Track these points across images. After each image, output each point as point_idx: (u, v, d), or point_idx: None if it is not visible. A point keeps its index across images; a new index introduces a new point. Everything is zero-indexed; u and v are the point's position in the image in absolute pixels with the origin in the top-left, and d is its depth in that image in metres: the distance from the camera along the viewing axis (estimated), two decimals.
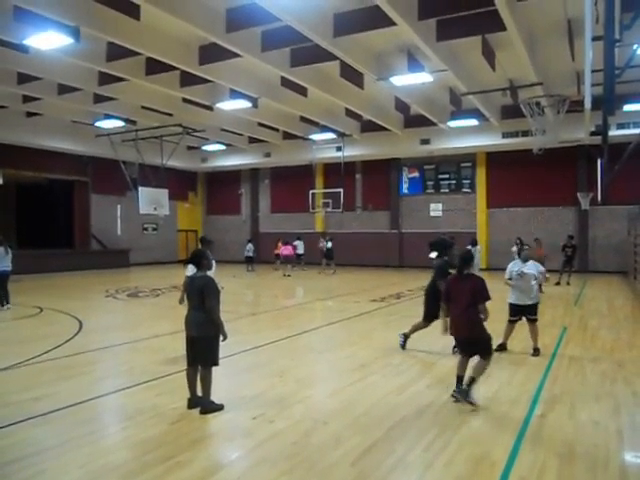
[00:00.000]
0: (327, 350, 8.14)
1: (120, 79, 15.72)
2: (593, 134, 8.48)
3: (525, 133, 20.15)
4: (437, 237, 8.84)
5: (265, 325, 10.40)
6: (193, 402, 5.26)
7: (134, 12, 11.88)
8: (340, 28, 12.46)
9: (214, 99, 17.79)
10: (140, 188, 21.01)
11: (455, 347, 6.74)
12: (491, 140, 21.06)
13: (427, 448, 4.34)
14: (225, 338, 5.24)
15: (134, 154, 21.25)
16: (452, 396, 5.44)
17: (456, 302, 5.36)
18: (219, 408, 5.20)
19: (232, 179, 29.71)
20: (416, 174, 25.19)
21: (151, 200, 21.51)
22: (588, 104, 4.54)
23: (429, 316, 7.60)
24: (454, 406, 5.33)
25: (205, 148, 26.27)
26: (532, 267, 7.60)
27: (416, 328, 7.89)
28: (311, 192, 24.54)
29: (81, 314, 11.14)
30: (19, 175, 23.23)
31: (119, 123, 20.46)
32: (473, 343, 5.37)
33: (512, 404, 5.43)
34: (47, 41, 11.99)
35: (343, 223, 25.74)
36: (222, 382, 5.83)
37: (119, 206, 25.82)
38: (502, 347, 7.59)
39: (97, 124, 20.63)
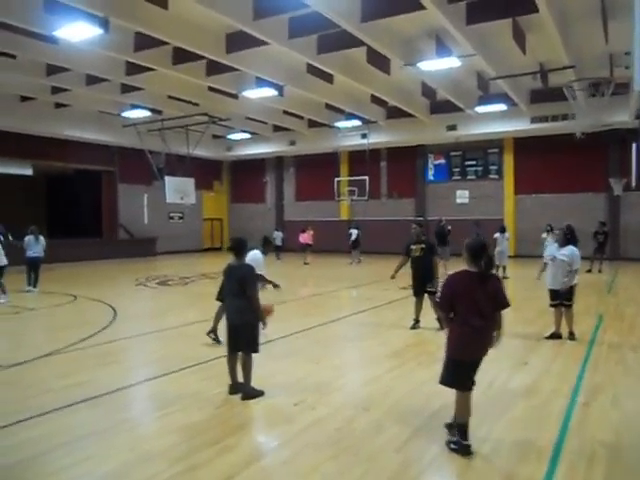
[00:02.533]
0: (359, 338, 8.16)
1: (147, 69, 15.81)
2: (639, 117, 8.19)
3: (555, 118, 19.80)
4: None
5: (295, 313, 10.43)
6: (234, 388, 5.32)
7: (162, 1, 11.92)
8: (368, 13, 12.31)
9: (240, 87, 17.79)
10: (167, 177, 21.18)
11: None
12: (519, 125, 20.69)
13: (470, 436, 4.31)
14: (265, 325, 5.28)
15: (160, 144, 21.41)
16: (455, 449, 4.03)
17: (474, 310, 3.92)
18: (260, 394, 5.25)
19: (257, 167, 29.78)
20: (442, 161, 24.93)
21: (178, 189, 21.68)
22: (638, 86, 4.40)
23: None
24: (494, 395, 5.29)
25: (230, 137, 26.35)
26: (566, 253, 7.43)
27: None
28: (336, 180, 24.46)
29: (114, 302, 11.32)
30: (48, 166, 23.64)
31: (145, 113, 20.61)
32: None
33: (553, 393, 5.36)
34: (77, 32, 12.08)
35: (368, 211, 25.62)
36: (260, 369, 5.85)
37: (146, 195, 26.10)
38: (557, 335, 7.54)
39: (124, 114, 20.82)
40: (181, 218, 27.74)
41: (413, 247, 8.40)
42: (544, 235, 17.13)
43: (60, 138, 22.03)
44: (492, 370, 5.57)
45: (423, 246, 8.34)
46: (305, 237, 22.13)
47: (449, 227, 18.44)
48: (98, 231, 25.32)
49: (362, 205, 25.03)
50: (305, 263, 20.76)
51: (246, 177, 30.57)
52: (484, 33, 13.88)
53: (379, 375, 6.06)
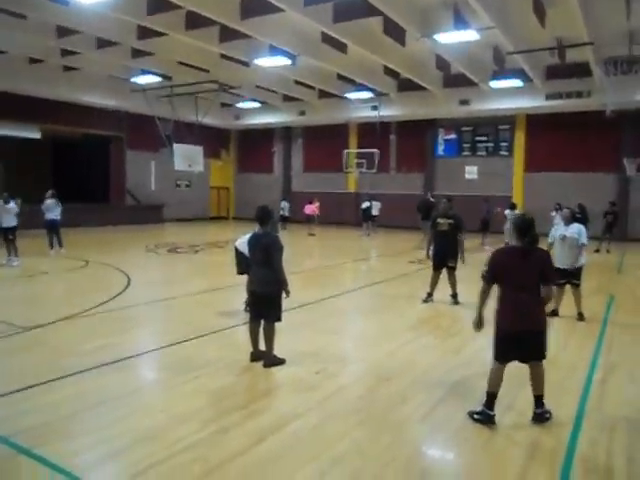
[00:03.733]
0: (374, 310, 8.24)
1: (159, 34, 15.57)
2: None
3: (570, 95, 19.56)
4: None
5: (308, 284, 10.50)
6: (256, 355, 5.41)
7: None
8: None
9: (253, 55, 17.54)
10: (175, 144, 21.06)
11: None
12: (534, 102, 20.44)
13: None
14: (288, 295, 5.34)
15: (169, 110, 21.22)
16: (479, 420, 4.11)
17: (519, 284, 4.01)
18: (281, 362, 5.34)
19: (265, 137, 29.56)
20: (452, 136, 24.71)
21: (186, 157, 21.59)
22: None
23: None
24: (514, 369, 5.35)
25: (239, 105, 26.07)
26: (575, 230, 7.40)
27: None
28: (345, 152, 24.29)
29: (126, 268, 11.38)
30: (56, 130, 23.46)
31: (155, 79, 20.37)
32: (535, 338, 4.09)
33: (570, 369, 5.45)
34: None
35: (376, 184, 25.52)
36: (279, 338, 5.93)
37: (153, 162, 25.99)
38: (554, 313, 7.56)
39: (133, 79, 20.59)
40: (188, 186, 27.67)
41: (440, 221, 8.39)
42: (553, 214, 17.13)
43: (68, 102, 21.80)
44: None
45: (451, 221, 8.33)
46: (311, 208, 22.11)
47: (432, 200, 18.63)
48: (105, 197, 25.31)
49: (370, 178, 24.92)
50: (310, 234, 20.77)
51: (254, 146, 30.37)
52: (503, 5, 13.63)
53: (398, 347, 6.16)
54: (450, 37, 14.53)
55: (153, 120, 21.33)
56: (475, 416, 4.13)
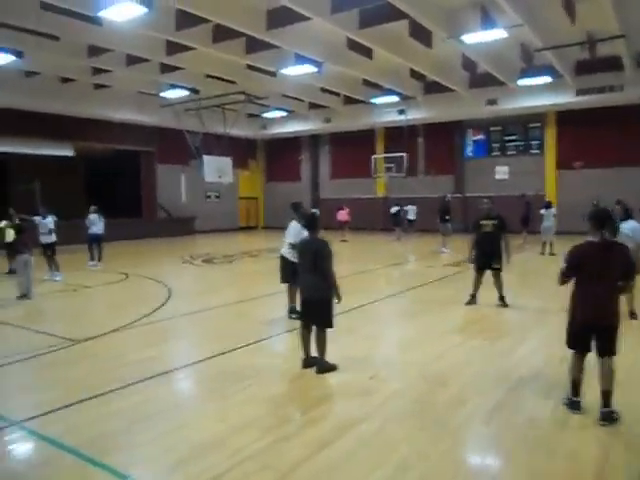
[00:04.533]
0: (416, 315, 8.15)
1: (187, 48, 15.82)
2: None
3: (601, 90, 19.18)
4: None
5: (348, 290, 10.13)
6: (308, 362, 5.40)
7: None
8: None
9: (279, 65, 17.68)
10: (205, 157, 21.31)
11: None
12: (564, 98, 20.10)
13: (556, 407, 4.31)
14: (340, 300, 5.33)
15: (197, 123, 21.50)
16: (566, 405, 4.26)
17: (596, 278, 4.04)
18: (334, 368, 5.32)
19: (292, 145, 29.71)
20: (481, 136, 24.47)
21: (215, 168, 21.83)
22: None
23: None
24: None
25: (265, 115, 26.27)
26: (628, 227, 7.16)
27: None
28: (373, 157, 24.26)
29: (165, 279, 11.54)
30: (88, 147, 23.98)
31: (184, 93, 20.69)
32: (607, 332, 4.09)
33: (632, 366, 5.28)
34: (122, 12, 12.14)
35: (406, 188, 25.38)
36: (327, 344, 5.94)
37: (183, 175, 26.30)
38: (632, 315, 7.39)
39: (162, 94, 20.94)
40: (217, 197, 27.96)
41: (483, 222, 8.29)
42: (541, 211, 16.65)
43: (99, 119, 22.29)
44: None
45: (495, 222, 8.22)
46: (342, 214, 22.11)
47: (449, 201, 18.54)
48: (138, 211, 25.73)
49: (399, 182, 24.80)
50: (343, 240, 20.74)
51: (281, 155, 30.55)
52: (532, 2, 13.47)
53: (446, 350, 6.08)
54: (477, 37, 14.40)
55: (182, 133, 21.64)
56: (564, 401, 4.29)
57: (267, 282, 11.28)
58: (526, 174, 23.28)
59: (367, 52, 16.94)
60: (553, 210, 15.82)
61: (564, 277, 4.20)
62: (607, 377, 4.09)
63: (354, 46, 16.21)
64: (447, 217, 17.29)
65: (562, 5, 12.99)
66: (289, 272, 7.38)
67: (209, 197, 27.69)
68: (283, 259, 7.60)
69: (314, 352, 5.39)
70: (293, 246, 7.24)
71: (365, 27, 14.36)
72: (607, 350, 4.10)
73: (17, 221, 11.83)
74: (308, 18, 13.46)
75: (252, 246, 19.99)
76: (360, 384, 4.97)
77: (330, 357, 5.45)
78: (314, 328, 5.37)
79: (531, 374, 5.16)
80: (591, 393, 4.23)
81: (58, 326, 7.66)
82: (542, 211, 15.98)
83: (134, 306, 8.82)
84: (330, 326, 5.31)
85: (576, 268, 4.13)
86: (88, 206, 14.78)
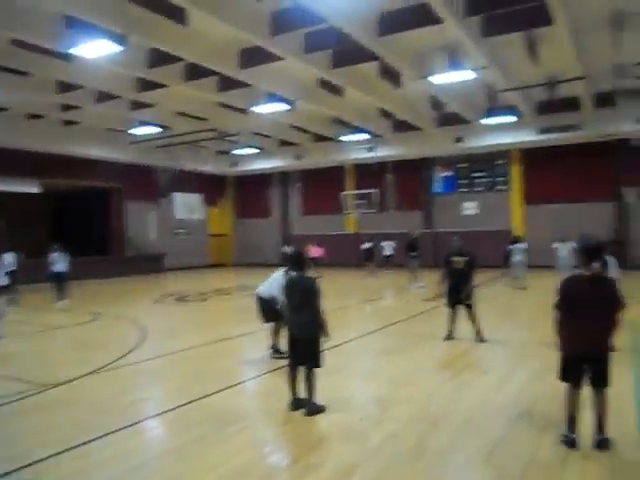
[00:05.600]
0: (401, 350, 8.07)
1: (159, 85, 15.84)
2: None
3: (562, 128, 19.95)
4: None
5: (330, 326, 10.31)
6: (296, 404, 5.24)
7: (179, 17, 11.94)
8: (385, 27, 12.40)
9: (251, 103, 17.81)
10: (175, 194, 21.18)
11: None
12: (527, 136, 20.82)
13: (553, 444, 4.27)
14: (328, 338, 5.23)
15: (167, 160, 21.41)
16: (563, 442, 4.22)
17: (588, 310, 4.10)
18: (323, 409, 5.17)
19: (262, 182, 29.75)
20: (449, 173, 25.05)
21: (185, 205, 21.73)
22: None
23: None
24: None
25: (235, 152, 26.32)
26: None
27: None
28: (343, 194, 24.49)
29: (139, 319, 11.20)
30: (56, 183, 23.50)
31: (154, 130, 20.59)
32: (600, 363, 4.17)
33: (618, 399, 5.29)
34: (95, 49, 12.10)
35: (376, 224, 25.61)
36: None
37: (152, 212, 26.02)
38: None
39: (132, 131, 20.79)
40: (187, 234, 27.64)
41: (454, 259, 8.34)
42: (554, 245, 17.08)
43: (67, 155, 21.90)
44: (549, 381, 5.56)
45: (467, 259, 8.29)
46: (315, 250, 22.06)
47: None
48: (105, 249, 25.17)
49: (370, 218, 25.04)
50: (318, 276, 20.66)
51: (251, 192, 30.53)
52: (497, 45, 14.01)
53: (436, 387, 6.01)
54: (445, 78, 14.87)
55: (152, 170, 21.49)
56: (561, 439, 4.25)
57: (244, 321, 11.09)
58: (493, 210, 23.83)
59: (338, 91, 17.28)
60: (522, 245, 16.11)
61: (558, 310, 4.24)
62: (601, 407, 4.19)
63: (326, 85, 16.52)
64: (413, 253, 17.38)
65: (525, 48, 13.57)
66: (271, 311, 7.25)
67: (178, 234, 27.34)
68: (260, 299, 7.45)
69: (301, 393, 5.24)
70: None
71: (337, 67, 14.67)
72: (601, 381, 4.18)
73: None
74: (281, 58, 13.67)
75: (224, 284, 19.69)
76: (352, 426, 4.83)
77: (318, 397, 5.30)
78: (302, 368, 5.23)
79: (524, 410, 5.12)
80: (584, 423, 4.25)
81: (27, 370, 7.27)
82: (510, 247, 16.28)
83: (108, 347, 8.50)
84: (319, 365, 5.19)
85: (568, 300, 4.18)
86: (55, 244, 14.42)
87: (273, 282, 7.22)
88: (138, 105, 18.08)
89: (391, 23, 12.31)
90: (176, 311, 13.17)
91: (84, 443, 4.51)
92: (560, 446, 4.20)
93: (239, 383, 6.40)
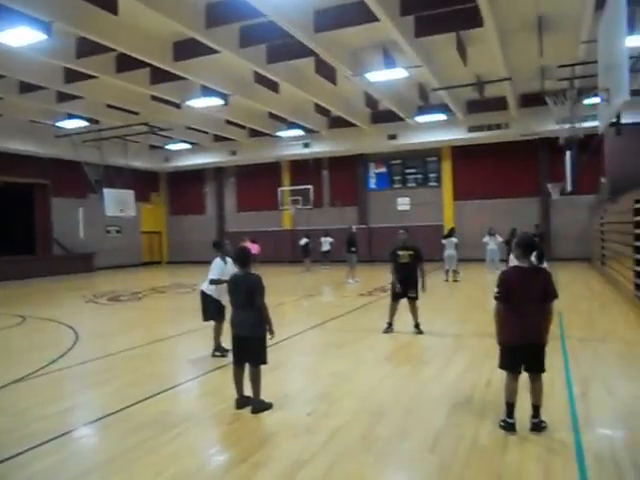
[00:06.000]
0: (342, 345, 8.14)
1: (88, 76, 15.20)
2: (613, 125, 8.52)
3: (491, 127, 20.80)
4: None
5: None
6: (241, 402, 5.18)
7: (111, 6, 11.51)
8: (321, 24, 12.49)
9: (185, 97, 17.46)
10: (105, 190, 20.38)
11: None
12: (457, 134, 21.59)
13: (493, 429, 4.45)
14: (273, 335, 5.21)
15: (97, 155, 20.56)
16: (502, 427, 4.44)
17: (526, 300, 4.32)
18: (269, 407, 5.14)
19: (196, 178, 29.20)
20: (383, 169, 25.54)
21: (117, 201, 20.94)
22: (625, 95, 4.75)
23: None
24: (499, 389, 5.45)
25: (169, 147, 25.66)
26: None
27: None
28: (280, 190, 24.44)
29: (69, 321, 10.71)
30: None
31: (82, 123, 19.74)
32: (537, 350, 4.41)
33: (550, 385, 5.58)
34: (18, 37, 11.44)
35: (312, 220, 25.73)
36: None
37: (81, 209, 24.91)
38: None
39: (59, 124, 19.84)
40: (119, 232, 26.70)
41: (400, 253, 8.45)
42: (485, 239, 17.91)
43: None
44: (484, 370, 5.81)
45: (412, 252, 8.43)
46: (255, 247, 21.86)
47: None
48: (31, 247, 23.88)
49: (306, 214, 25.12)
50: None
51: (185, 188, 29.89)
52: (429, 46, 14.41)
53: (379, 379, 6.11)
54: (380, 75, 15.15)
55: (80, 165, 20.58)
56: (501, 423, 4.46)
57: (181, 319, 10.89)
58: (426, 205, 24.51)
59: (274, 86, 17.21)
60: (454, 239, 16.68)
61: (499, 301, 4.41)
62: (538, 392, 4.43)
63: (261, 80, 16.41)
64: (353, 248, 17.62)
65: (456, 48, 14.02)
66: (213, 309, 7.16)
67: (109, 232, 26.35)
68: (204, 296, 7.35)
69: (247, 391, 5.19)
70: (215, 282, 7.05)
71: (273, 62, 14.61)
72: (538, 367, 4.42)
73: None
74: (216, 51, 13.46)
75: (158, 282, 19.19)
76: (300, 422, 4.83)
77: (263, 394, 5.27)
78: (247, 366, 5.18)
79: (463, 398, 5.30)
80: (522, 408, 4.47)
81: None
82: (443, 240, 16.84)
83: (36, 352, 8.06)
84: (264, 362, 5.15)
85: (509, 292, 4.37)
86: None
87: (213, 267, 7.11)
88: (65, 97, 17.28)
89: (327, 20, 12.40)
90: (110, 311, 12.68)
91: (13, 456, 4.21)
92: (499, 431, 4.39)
93: (180, 384, 6.25)
